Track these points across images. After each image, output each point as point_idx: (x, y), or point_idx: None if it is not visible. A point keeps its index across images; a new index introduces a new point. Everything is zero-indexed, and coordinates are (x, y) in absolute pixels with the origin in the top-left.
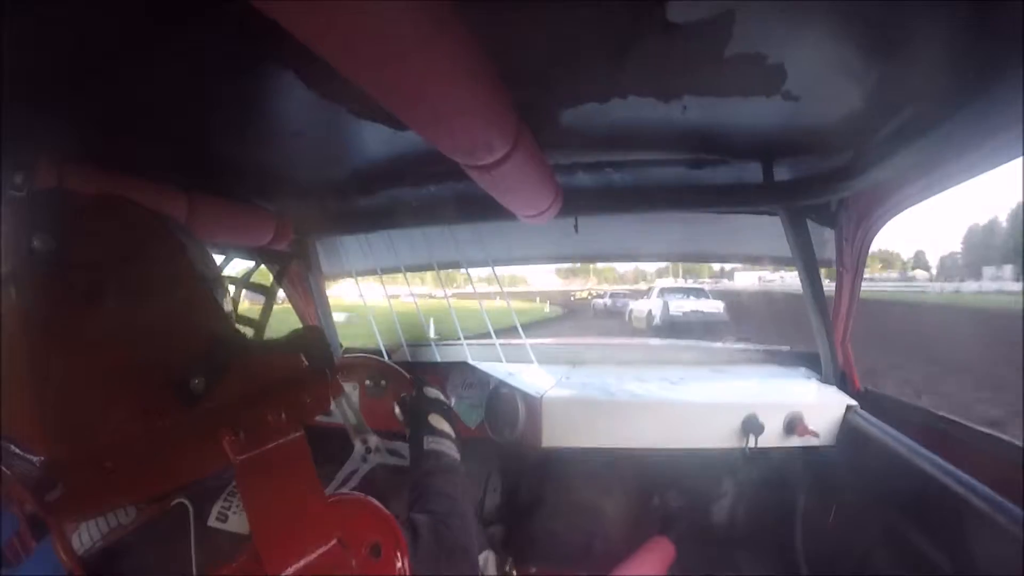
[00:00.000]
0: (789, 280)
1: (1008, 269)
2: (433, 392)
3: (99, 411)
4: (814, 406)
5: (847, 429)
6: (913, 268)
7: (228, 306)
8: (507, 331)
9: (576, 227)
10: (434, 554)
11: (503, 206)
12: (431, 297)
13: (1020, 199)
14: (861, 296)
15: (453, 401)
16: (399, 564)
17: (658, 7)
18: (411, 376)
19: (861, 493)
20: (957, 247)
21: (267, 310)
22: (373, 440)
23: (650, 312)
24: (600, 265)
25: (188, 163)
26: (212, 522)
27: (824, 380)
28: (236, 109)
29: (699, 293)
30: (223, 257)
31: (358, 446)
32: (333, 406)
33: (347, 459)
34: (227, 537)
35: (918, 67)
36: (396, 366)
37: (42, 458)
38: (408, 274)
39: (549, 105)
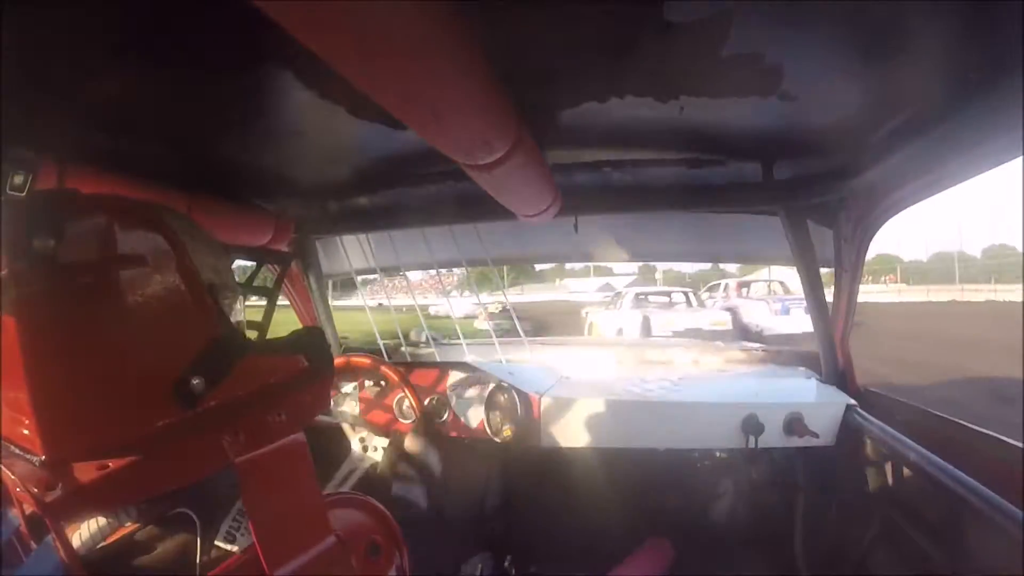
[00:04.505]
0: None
1: None
2: (417, 444)
3: (99, 411)
4: (814, 406)
5: (847, 429)
6: None
7: (238, 307)
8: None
9: (576, 227)
10: None
11: (503, 205)
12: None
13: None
14: None
15: (453, 401)
16: (398, 562)
17: (655, 7)
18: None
19: (861, 493)
20: None
21: (269, 312)
22: (371, 440)
23: (620, 331)
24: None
25: (188, 163)
26: (219, 541)
27: (824, 380)
28: (236, 108)
29: (795, 301)
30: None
31: (356, 445)
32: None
33: (344, 457)
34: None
35: (918, 66)
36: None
37: (42, 458)
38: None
39: (549, 105)
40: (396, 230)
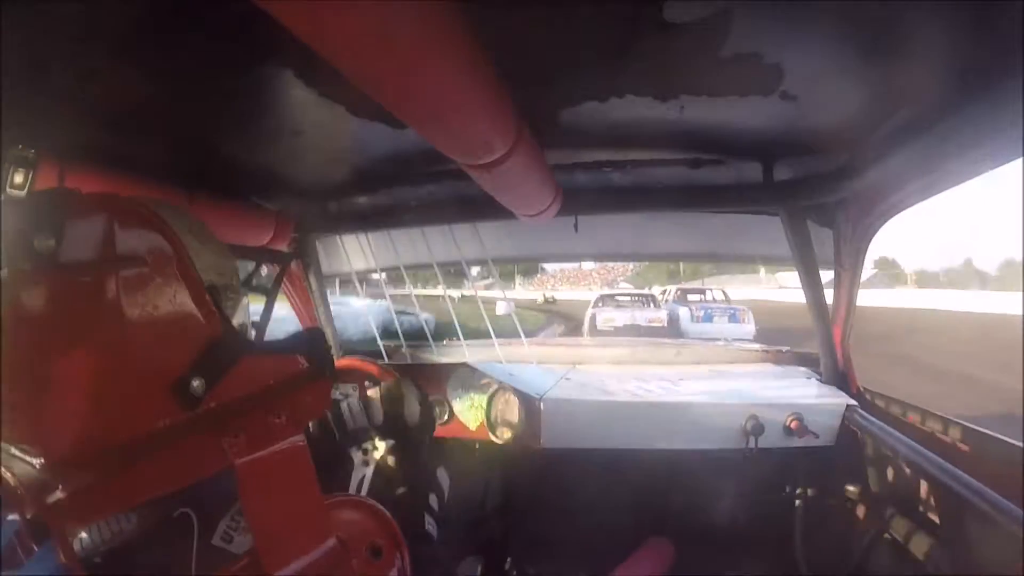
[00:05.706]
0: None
1: None
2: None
3: (99, 413)
4: (814, 406)
5: (847, 429)
6: None
7: (242, 306)
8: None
9: (576, 227)
10: None
11: (503, 205)
12: None
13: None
14: None
15: (454, 402)
16: (399, 564)
17: (655, 7)
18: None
19: (861, 493)
20: None
21: (267, 311)
22: (367, 442)
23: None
24: None
25: (188, 162)
26: (216, 541)
27: (824, 380)
28: (236, 108)
29: (720, 309)
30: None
31: (357, 457)
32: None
33: (343, 470)
34: (230, 558)
35: (917, 66)
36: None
37: (42, 460)
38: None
39: (549, 105)
40: (396, 229)
